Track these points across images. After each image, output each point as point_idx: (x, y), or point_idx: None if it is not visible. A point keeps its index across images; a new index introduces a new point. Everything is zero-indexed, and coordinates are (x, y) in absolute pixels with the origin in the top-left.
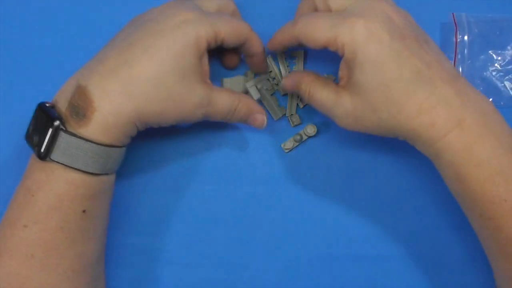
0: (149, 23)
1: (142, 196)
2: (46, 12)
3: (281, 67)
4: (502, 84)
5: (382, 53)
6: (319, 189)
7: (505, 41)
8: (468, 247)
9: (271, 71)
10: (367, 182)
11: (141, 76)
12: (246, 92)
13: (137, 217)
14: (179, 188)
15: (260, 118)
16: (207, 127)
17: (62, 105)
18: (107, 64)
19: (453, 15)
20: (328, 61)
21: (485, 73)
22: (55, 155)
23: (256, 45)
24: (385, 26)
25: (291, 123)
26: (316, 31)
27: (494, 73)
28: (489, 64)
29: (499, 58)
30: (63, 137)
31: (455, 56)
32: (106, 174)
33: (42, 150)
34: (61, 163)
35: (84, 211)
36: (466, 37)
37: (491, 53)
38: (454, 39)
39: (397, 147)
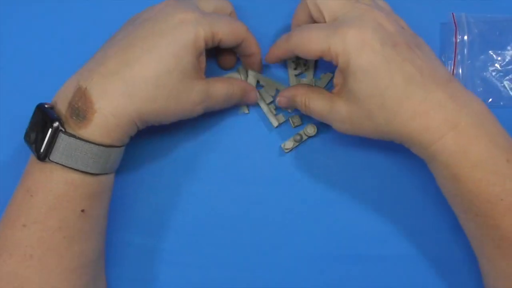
0: (147, 22)
1: (143, 196)
2: (44, 12)
3: (290, 76)
4: (502, 84)
5: (374, 61)
6: (319, 189)
7: (505, 41)
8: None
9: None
10: (367, 182)
11: (141, 77)
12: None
13: (138, 217)
14: (179, 188)
15: (253, 95)
16: (207, 127)
17: (62, 106)
18: (107, 64)
19: (453, 15)
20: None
21: (485, 73)
22: (54, 156)
23: (252, 46)
24: (376, 34)
25: (291, 124)
26: (310, 43)
27: (494, 73)
28: (489, 64)
29: (499, 58)
30: (62, 138)
31: (455, 56)
32: (106, 173)
33: (42, 151)
34: (61, 164)
35: (83, 210)
36: (466, 37)
37: (491, 53)
38: (454, 39)
39: (397, 147)
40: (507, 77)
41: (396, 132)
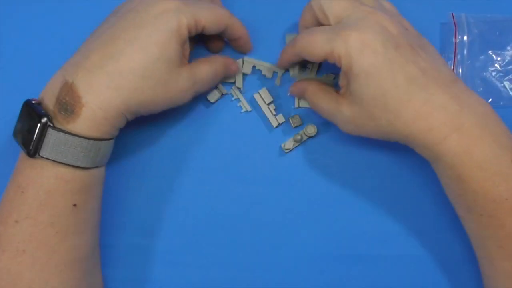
0: (129, 13)
1: (142, 196)
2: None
3: (291, 72)
4: (502, 85)
5: (376, 63)
6: (319, 189)
7: (505, 41)
8: (469, 245)
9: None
10: (367, 182)
11: (127, 69)
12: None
13: (137, 217)
14: (179, 188)
15: (234, 67)
16: (207, 127)
17: (49, 102)
18: (92, 58)
19: (453, 15)
20: None
21: (484, 74)
22: (44, 152)
23: (237, 29)
24: (379, 36)
25: (291, 124)
26: (314, 46)
27: (493, 74)
28: (488, 64)
29: (499, 58)
30: (51, 133)
31: (455, 56)
32: (96, 167)
33: (31, 147)
34: (51, 159)
35: (75, 205)
36: (465, 38)
37: (491, 54)
38: (454, 40)
39: (397, 147)
40: (507, 77)
41: (400, 133)
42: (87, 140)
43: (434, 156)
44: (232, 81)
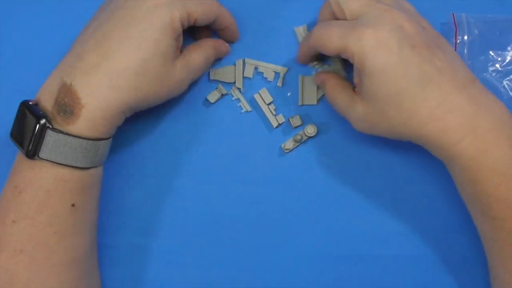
0: (120, 10)
1: (141, 196)
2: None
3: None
4: (502, 85)
5: (390, 63)
6: (319, 189)
7: (505, 41)
8: (471, 245)
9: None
10: (368, 182)
11: (124, 66)
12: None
13: (137, 217)
14: (179, 188)
15: (225, 48)
16: (207, 126)
17: (47, 103)
18: (87, 58)
19: (453, 16)
20: None
21: (485, 74)
22: (43, 153)
23: (226, 19)
24: (394, 35)
25: (291, 124)
26: (329, 40)
27: (494, 74)
28: (489, 64)
29: (499, 58)
30: (50, 135)
31: None
32: (95, 166)
33: (30, 149)
34: (50, 161)
35: (73, 205)
36: (466, 38)
37: (491, 54)
38: (454, 40)
39: (397, 147)
40: (507, 78)
41: (413, 134)
42: (87, 140)
43: (448, 157)
44: (232, 81)
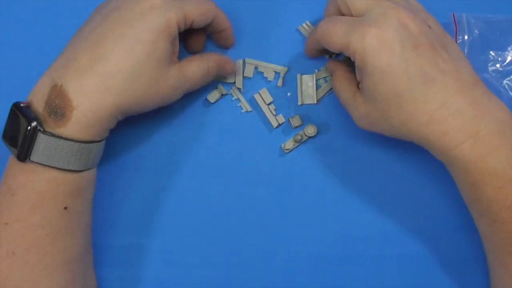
0: (116, 12)
1: (140, 196)
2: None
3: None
4: (502, 85)
5: (392, 63)
6: (319, 190)
7: (506, 41)
8: (471, 245)
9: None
10: (368, 182)
11: (117, 69)
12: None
13: (136, 217)
14: (178, 188)
15: (230, 67)
16: (207, 127)
17: (38, 105)
18: (80, 60)
19: (454, 16)
20: None
21: (485, 74)
22: (34, 156)
23: (223, 21)
24: (398, 35)
25: (291, 124)
26: (332, 36)
27: (494, 74)
28: (489, 64)
29: (499, 58)
30: (41, 138)
31: None
32: (87, 169)
33: (21, 152)
34: (42, 164)
35: (65, 208)
36: (466, 38)
37: (491, 54)
38: (454, 40)
39: (398, 147)
40: (507, 78)
41: (413, 135)
42: (78, 143)
43: (449, 160)
44: (232, 81)
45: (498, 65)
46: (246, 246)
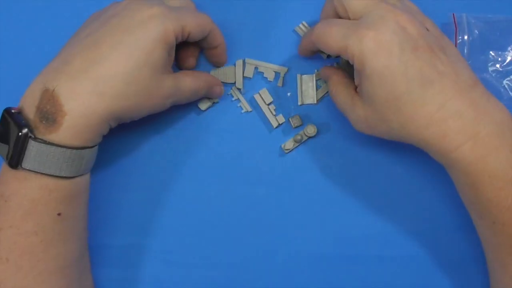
0: (114, 19)
1: (139, 196)
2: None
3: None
4: (502, 85)
5: (390, 66)
6: (319, 190)
7: (506, 42)
8: (470, 246)
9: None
10: (367, 183)
11: (111, 74)
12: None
13: (135, 217)
14: (178, 188)
15: (218, 89)
16: (207, 127)
17: (29, 110)
18: (74, 63)
19: (453, 16)
20: None
21: (485, 74)
22: (26, 163)
23: (218, 37)
24: (396, 38)
25: (291, 124)
26: (330, 39)
27: (494, 74)
28: (489, 64)
29: (499, 59)
30: (32, 145)
31: None
32: (80, 175)
33: (12, 159)
34: (34, 171)
35: (59, 214)
36: (466, 38)
37: (491, 54)
38: (455, 40)
39: (397, 147)
40: (508, 78)
41: (412, 137)
42: (70, 149)
43: (448, 162)
44: (232, 81)
45: (498, 65)
46: (246, 246)
